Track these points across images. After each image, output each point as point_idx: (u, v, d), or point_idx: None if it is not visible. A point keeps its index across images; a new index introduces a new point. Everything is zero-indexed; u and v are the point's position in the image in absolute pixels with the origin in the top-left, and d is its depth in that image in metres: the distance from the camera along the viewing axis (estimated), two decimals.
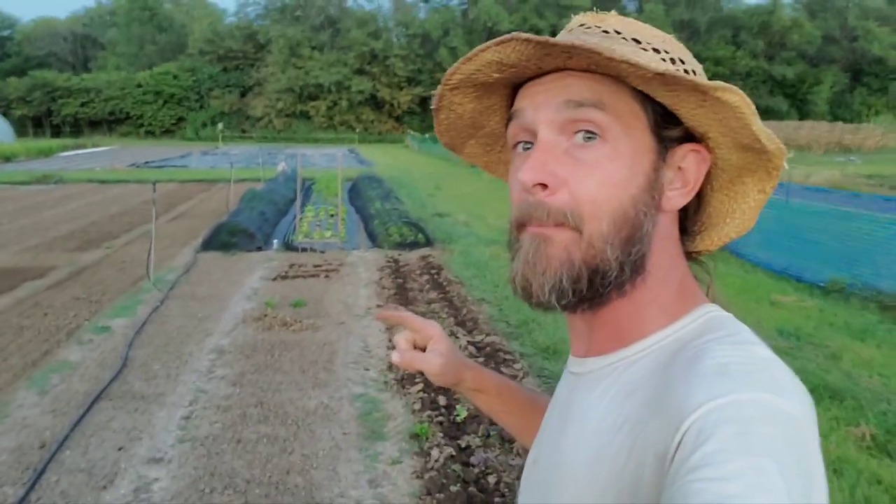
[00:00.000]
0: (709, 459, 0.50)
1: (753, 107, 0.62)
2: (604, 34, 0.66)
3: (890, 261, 6.58)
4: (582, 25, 0.69)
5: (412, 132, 50.60)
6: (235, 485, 3.55)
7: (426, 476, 3.58)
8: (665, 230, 0.69)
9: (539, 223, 0.65)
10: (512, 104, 0.71)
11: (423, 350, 0.96)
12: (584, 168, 0.64)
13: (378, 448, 3.96)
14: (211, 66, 60.99)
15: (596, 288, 0.65)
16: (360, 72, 57.35)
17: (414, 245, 9.86)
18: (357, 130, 56.51)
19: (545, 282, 0.65)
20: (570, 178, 0.64)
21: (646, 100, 0.65)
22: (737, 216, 0.75)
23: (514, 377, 4.84)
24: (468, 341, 5.58)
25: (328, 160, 29.09)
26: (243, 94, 60.53)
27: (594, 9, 0.73)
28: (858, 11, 54.35)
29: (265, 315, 6.46)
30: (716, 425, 0.51)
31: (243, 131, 58.51)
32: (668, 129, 0.66)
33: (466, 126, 0.79)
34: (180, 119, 59.73)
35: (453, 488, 3.45)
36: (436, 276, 8.01)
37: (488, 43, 0.65)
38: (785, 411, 0.53)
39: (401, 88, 57.75)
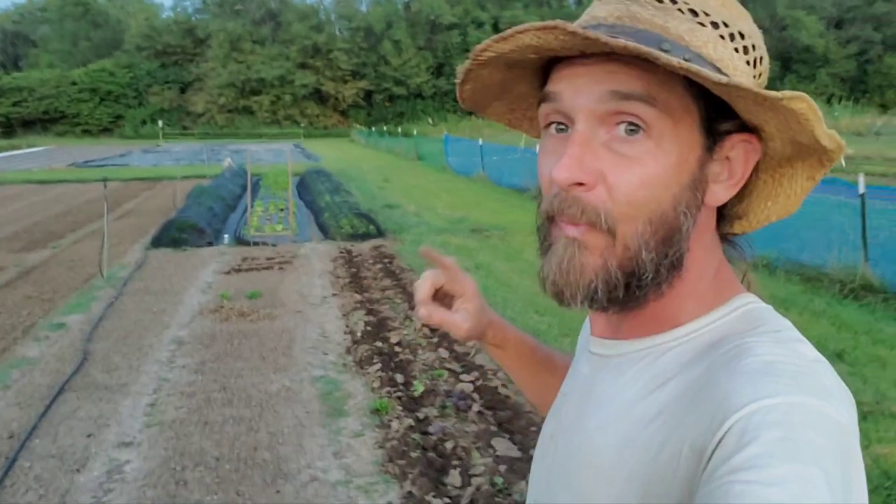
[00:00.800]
0: (752, 462, 0.49)
1: (820, 112, 0.57)
2: (657, 5, 0.61)
3: (813, 237, 7.08)
4: None
5: (358, 126, 50.49)
6: (206, 462, 3.72)
7: (388, 445, 3.81)
8: (704, 224, 0.65)
9: (571, 220, 0.62)
10: (545, 74, 0.66)
11: (448, 299, 0.91)
12: (625, 163, 0.60)
13: (341, 424, 4.17)
14: (149, 62, 59.63)
15: (633, 292, 0.63)
16: (303, 66, 56.89)
17: (366, 236, 10.05)
18: (302, 125, 56.06)
19: (578, 291, 0.63)
20: (608, 174, 0.60)
21: (699, 92, 0.60)
22: (780, 199, 0.69)
23: (466, 354, 5.11)
24: (422, 324, 5.81)
25: (274, 155, 28.88)
26: (183, 90, 59.40)
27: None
28: (787, 0, 56.35)
29: (221, 307, 6.58)
30: (761, 427, 0.50)
31: (184, 128, 57.43)
32: (721, 123, 0.62)
33: (493, 93, 0.74)
34: (118, 117, 58.22)
35: (413, 455, 3.69)
36: (388, 265, 8.22)
37: (527, 26, 0.59)
38: (832, 418, 0.51)
39: (345, 82, 57.50)
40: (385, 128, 43.27)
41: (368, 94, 58.55)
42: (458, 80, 0.70)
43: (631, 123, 0.59)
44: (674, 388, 0.61)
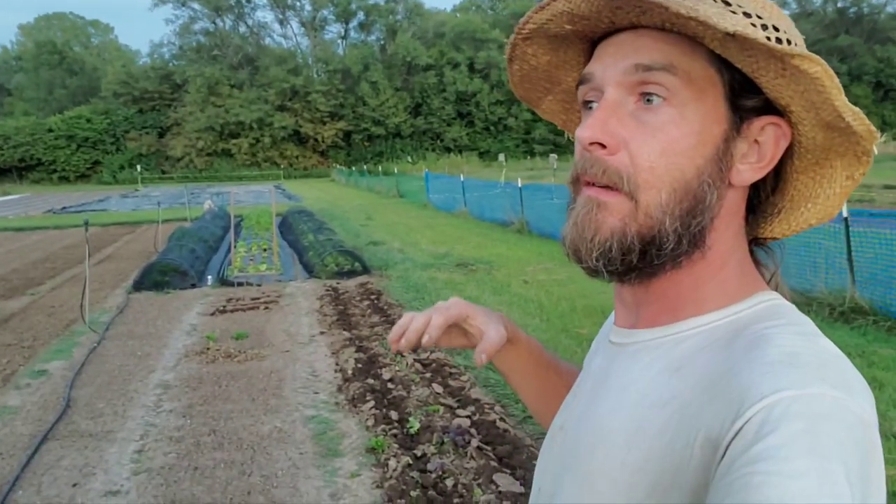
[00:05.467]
0: (772, 453, 0.48)
1: (837, 80, 0.57)
2: None
3: (799, 261, 7.11)
4: None
5: (338, 166, 50.61)
6: None
7: (386, 485, 3.70)
8: (732, 206, 0.65)
9: (593, 178, 0.63)
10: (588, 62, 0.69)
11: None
12: (647, 131, 0.62)
13: (336, 464, 4.05)
14: (126, 108, 59.52)
15: (650, 259, 0.63)
16: (281, 108, 57.13)
17: (351, 273, 9.96)
18: (282, 166, 56.15)
19: (593, 248, 0.63)
20: (631, 141, 0.62)
21: (724, 65, 0.61)
22: (819, 202, 0.69)
23: (461, 389, 5.02)
24: (414, 359, 5.73)
25: (254, 197, 28.87)
26: (161, 135, 59.26)
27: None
28: None
29: (207, 349, 6.44)
30: (782, 418, 0.49)
31: (163, 172, 57.22)
32: (746, 99, 0.62)
33: (542, 79, 0.76)
34: (96, 163, 57.81)
35: (413, 494, 3.58)
36: (376, 301, 8.13)
37: None
38: (854, 412, 0.51)
39: (324, 123, 57.76)
40: (365, 167, 43.43)
41: (347, 135, 58.82)
42: (506, 56, 0.73)
43: (654, 94, 0.61)
44: (690, 374, 0.60)
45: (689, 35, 0.60)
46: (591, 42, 0.69)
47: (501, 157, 31.66)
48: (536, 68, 0.74)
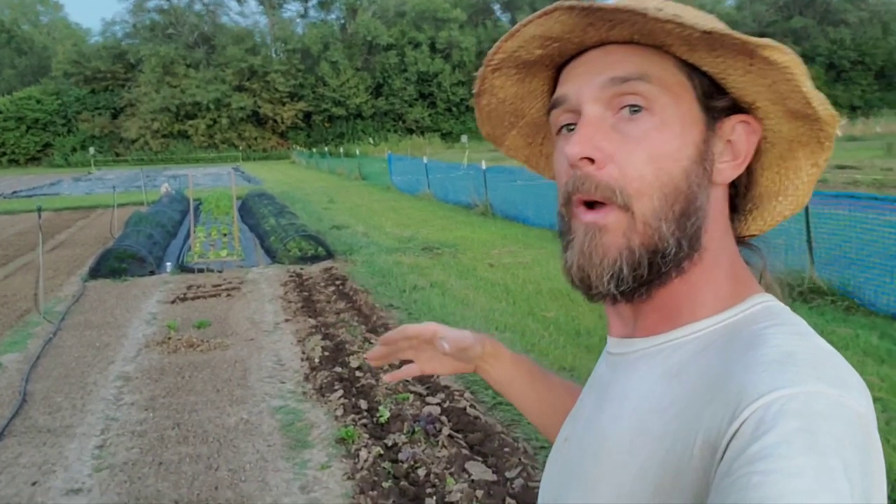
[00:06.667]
0: (770, 451, 0.48)
1: (804, 68, 0.59)
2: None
3: (759, 242, 7.21)
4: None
5: (298, 147, 49.94)
6: None
7: (357, 476, 3.66)
8: (718, 205, 0.67)
9: (587, 195, 0.64)
10: (554, 90, 0.71)
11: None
12: (632, 142, 0.63)
13: (305, 455, 3.99)
14: (77, 89, 57.70)
15: (657, 269, 0.63)
16: (239, 88, 56.05)
17: (315, 258, 9.84)
18: (240, 148, 55.21)
19: (604, 271, 0.64)
20: (616, 153, 0.63)
21: (692, 70, 0.64)
22: (789, 193, 0.72)
23: (430, 376, 4.99)
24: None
25: (213, 179, 28.34)
26: (115, 116, 57.67)
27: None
28: None
29: (169, 338, 6.29)
30: (779, 417, 0.50)
31: (117, 155, 55.78)
32: (716, 100, 0.65)
33: (508, 113, 0.78)
34: (47, 145, 56.09)
35: (385, 484, 3.54)
36: (341, 287, 8.05)
37: (531, 16, 0.64)
38: (851, 408, 0.51)
39: (283, 104, 56.86)
40: (326, 148, 42.93)
41: (307, 116, 58.03)
42: (474, 91, 0.74)
43: (633, 105, 0.63)
44: (689, 379, 0.61)
45: (655, 45, 0.63)
46: (555, 69, 0.71)
47: (464, 138, 31.58)
48: (504, 101, 0.76)
